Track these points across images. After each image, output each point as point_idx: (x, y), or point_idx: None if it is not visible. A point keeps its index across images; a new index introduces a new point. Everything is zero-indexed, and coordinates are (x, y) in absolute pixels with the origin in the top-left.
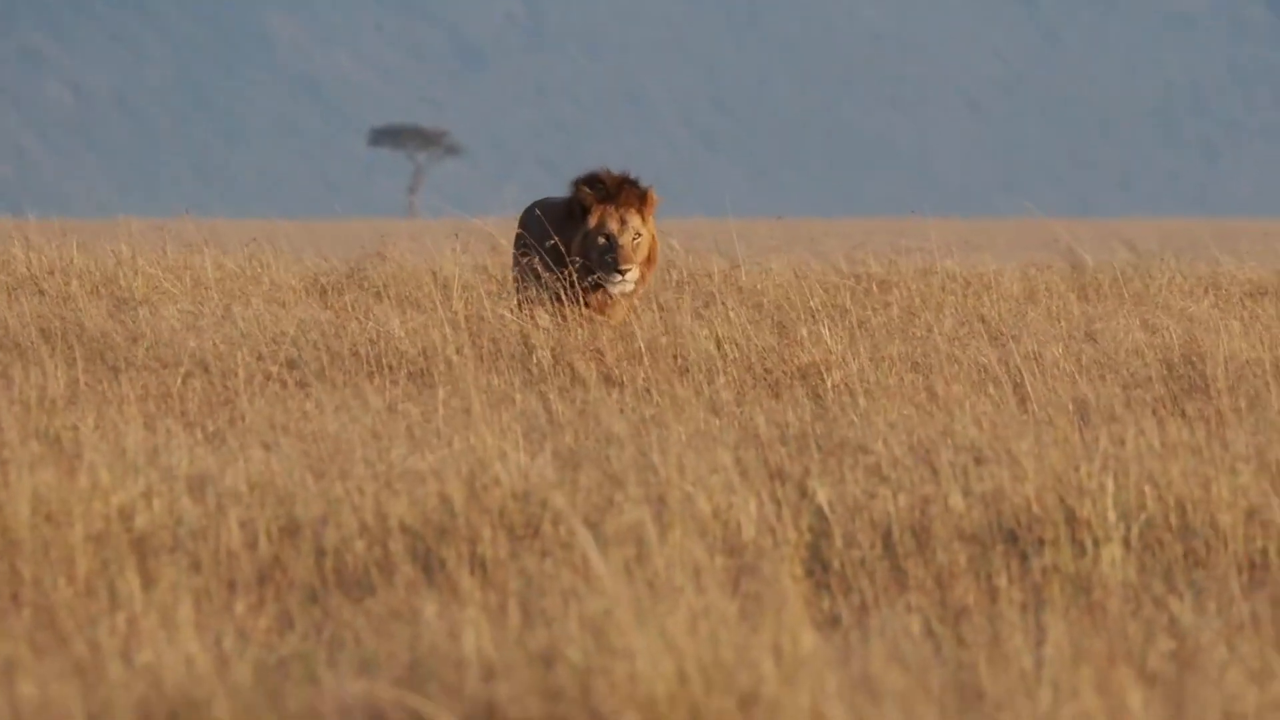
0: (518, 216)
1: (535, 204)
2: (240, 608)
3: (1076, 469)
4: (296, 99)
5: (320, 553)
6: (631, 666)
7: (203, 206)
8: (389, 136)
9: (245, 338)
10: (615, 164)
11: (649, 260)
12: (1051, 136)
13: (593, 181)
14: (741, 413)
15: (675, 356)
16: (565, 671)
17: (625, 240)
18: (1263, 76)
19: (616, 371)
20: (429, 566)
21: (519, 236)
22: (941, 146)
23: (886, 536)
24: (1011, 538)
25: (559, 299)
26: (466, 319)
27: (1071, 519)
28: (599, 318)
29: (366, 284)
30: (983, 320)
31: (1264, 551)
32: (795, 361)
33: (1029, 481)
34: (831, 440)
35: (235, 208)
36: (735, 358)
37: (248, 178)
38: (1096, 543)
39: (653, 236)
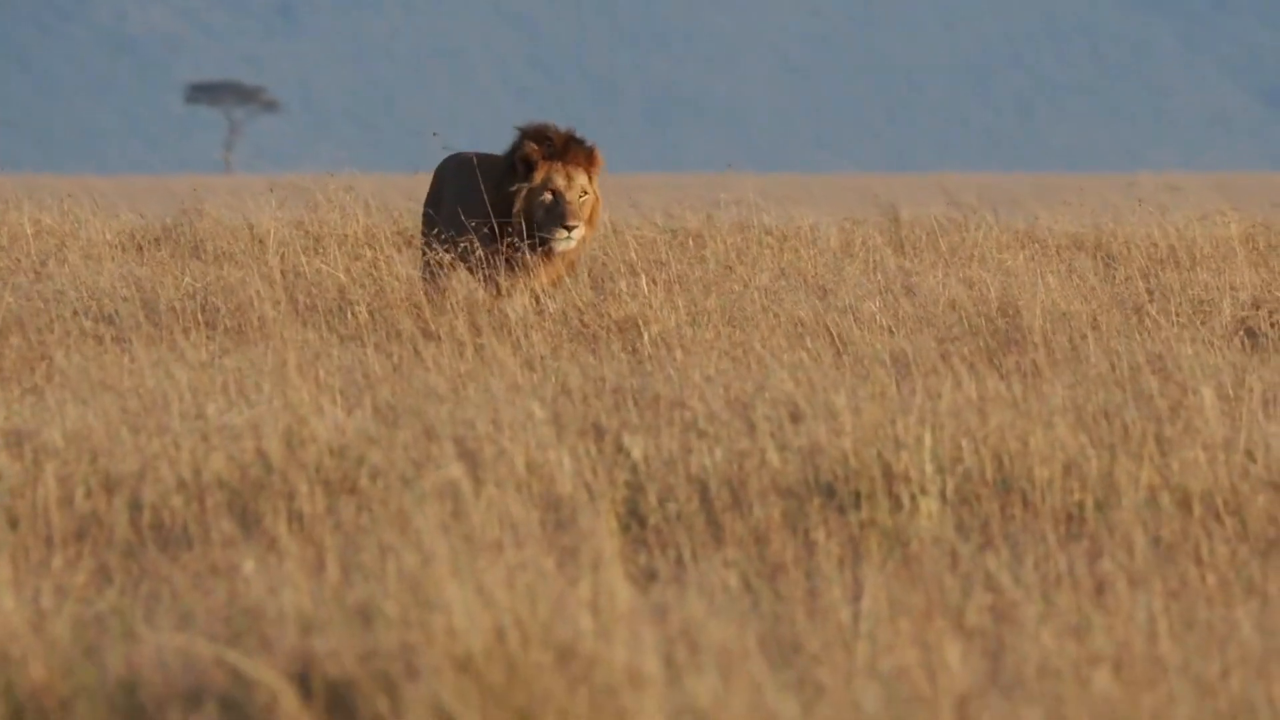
0: (421, 174)
1: (453, 157)
2: (57, 563)
3: (893, 423)
4: (112, 55)
5: (137, 508)
6: (449, 621)
7: (17, 162)
8: (205, 93)
9: (61, 294)
10: (432, 122)
11: (591, 220)
12: (868, 92)
13: (539, 136)
14: (558, 367)
15: (492, 310)
16: (383, 627)
17: (572, 197)
18: (1079, 32)
19: (433, 326)
20: (246, 522)
21: (434, 193)
22: (757, 103)
23: (703, 491)
24: (828, 492)
25: (489, 258)
26: (283, 274)
27: (888, 473)
28: (534, 278)
29: (184, 240)
30: (799, 274)
31: (1080, 505)
32: (612, 315)
33: (846, 435)
34: (648, 395)
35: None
36: (552, 311)
37: (63, 134)
38: (913, 497)
39: (596, 198)
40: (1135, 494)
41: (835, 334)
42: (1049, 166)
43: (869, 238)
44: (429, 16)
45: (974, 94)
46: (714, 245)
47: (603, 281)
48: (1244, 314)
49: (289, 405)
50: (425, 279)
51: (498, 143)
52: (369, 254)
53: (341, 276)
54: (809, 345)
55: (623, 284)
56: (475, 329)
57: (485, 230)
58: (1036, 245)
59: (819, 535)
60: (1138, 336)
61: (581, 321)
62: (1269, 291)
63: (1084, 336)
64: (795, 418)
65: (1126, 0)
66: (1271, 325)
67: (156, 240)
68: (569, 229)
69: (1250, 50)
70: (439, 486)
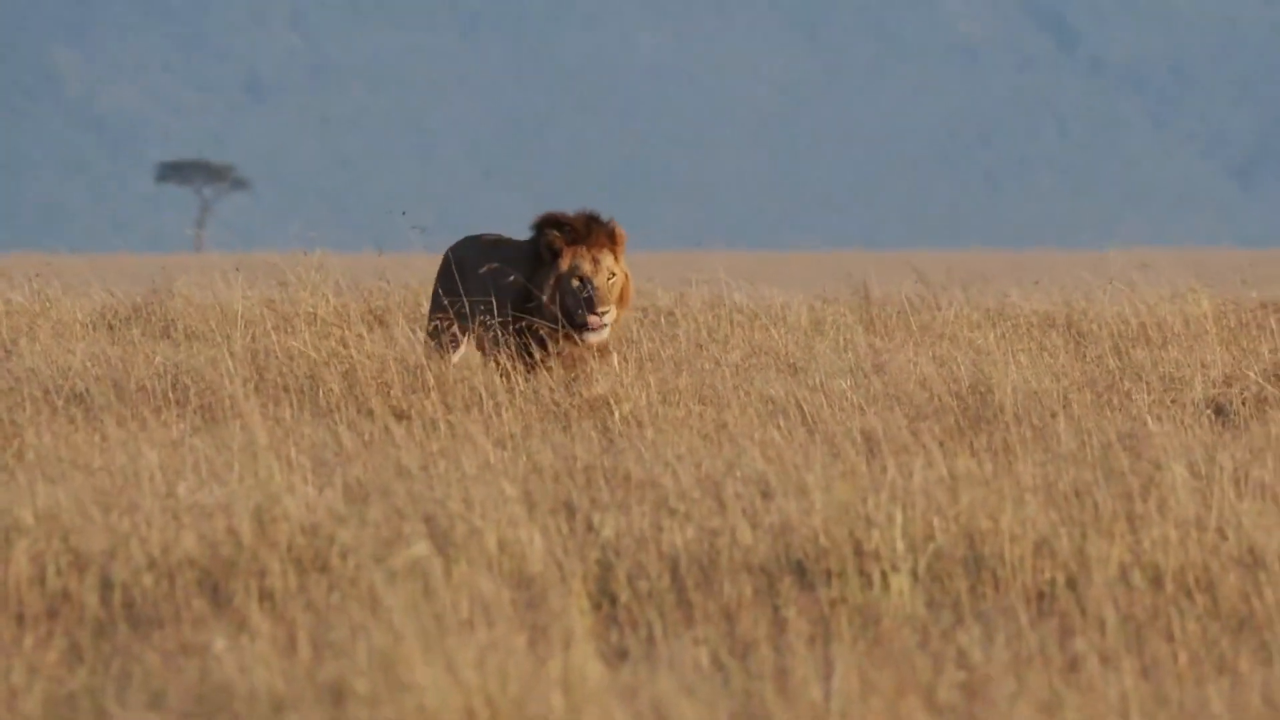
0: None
1: (470, 241)
2: (29, 642)
3: (864, 501)
4: (83, 134)
5: (108, 586)
6: (420, 700)
7: None
8: (175, 171)
9: (32, 373)
10: (396, 200)
11: (622, 299)
12: (836, 169)
13: (558, 224)
14: (529, 446)
15: (463, 389)
16: (354, 705)
17: (600, 281)
18: (1046, 108)
19: (404, 404)
20: (217, 600)
21: (447, 275)
22: (725, 179)
23: (674, 569)
24: (799, 569)
25: (525, 349)
26: (254, 353)
27: (859, 551)
28: (568, 372)
29: (154, 319)
30: (770, 352)
31: (1052, 583)
32: (583, 394)
33: (817, 513)
34: (619, 473)
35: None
36: (523, 390)
37: (33, 213)
38: (884, 574)
39: (625, 276)
40: (1106, 571)
41: (806, 412)
42: (1019, 243)
43: (840, 316)
44: (396, 93)
45: (943, 170)
46: (685, 323)
47: (574, 361)
48: (1215, 391)
49: (260, 484)
50: (434, 356)
51: (469, 218)
52: (339, 332)
53: (312, 354)
54: (780, 423)
55: (592, 362)
56: (446, 407)
57: (517, 319)
58: (1007, 323)
59: (790, 613)
60: (1109, 414)
61: (553, 400)
62: (1240, 369)
63: (1055, 414)
64: (766, 495)
65: (1094, 76)
66: (1242, 403)
67: (127, 319)
68: (600, 314)
69: (1218, 127)
70: (410, 565)
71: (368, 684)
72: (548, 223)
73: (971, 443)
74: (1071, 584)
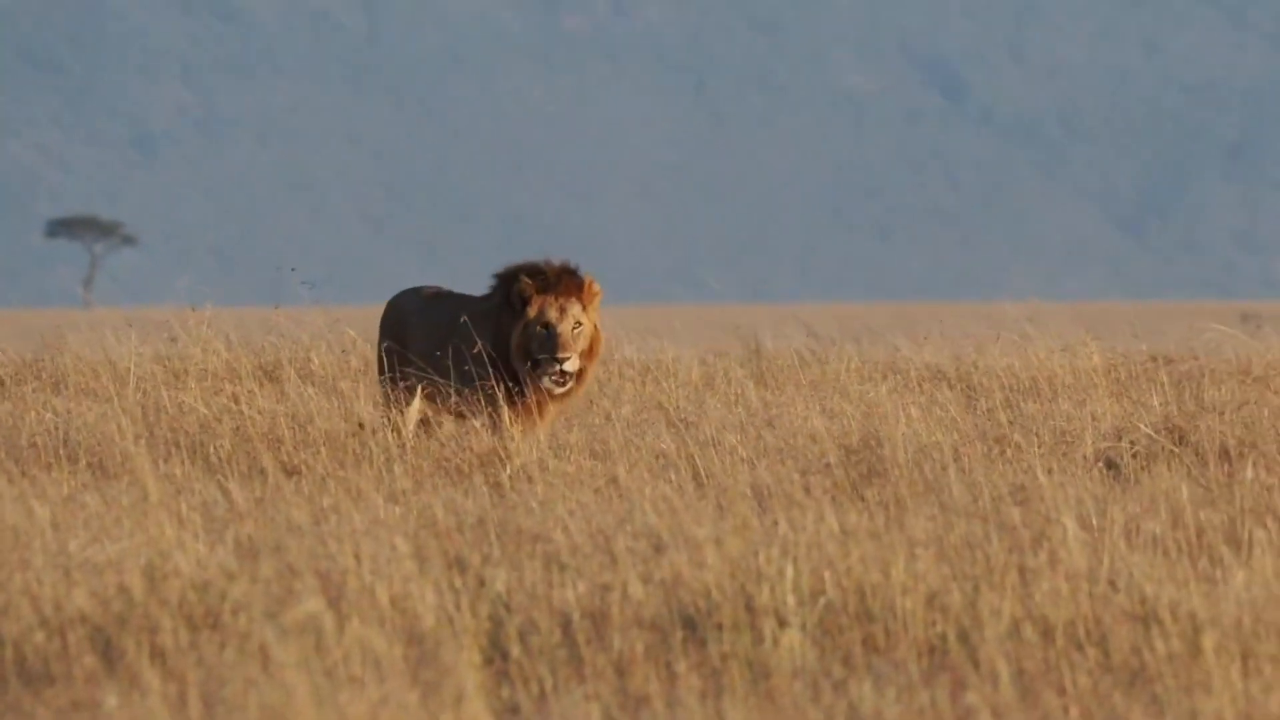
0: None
1: (411, 293)
2: None
3: (755, 555)
4: None
5: (0, 644)
6: None
7: None
8: (65, 227)
9: None
10: (286, 255)
11: (590, 353)
12: (725, 221)
13: (533, 272)
14: (420, 501)
15: (354, 445)
16: None
17: (564, 329)
18: (934, 160)
19: (295, 460)
20: (109, 657)
21: (393, 330)
22: (614, 232)
23: (565, 624)
24: (691, 624)
25: (490, 399)
26: (144, 409)
27: (751, 605)
28: (528, 421)
29: (45, 375)
30: (661, 407)
31: (943, 636)
32: (474, 449)
33: (708, 568)
34: (510, 528)
35: None
36: (414, 446)
37: None
38: (776, 628)
39: (595, 328)
40: (998, 625)
41: (698, 466)
42: (908, 295)
43: (730, 370)
44: (285, 148)
45: (832, 223)
46: None
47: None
48: (1105, 444)
49: (151, 540)
50: (392, 416)
51: (359, 273)
52: (230, 388)
53: (203, 410)
54: (671, 478)
55: (484, 417)
56: (338, 463)
57: (479, 371)
58: (898, 376)
59: (681, 667)
60: (1000, 467)
61: (444, 455)
62: (1130, 422)
63: (945, 468)
64: (658, 550)
65: (983, 128)
66: (1133, 455)
67: (18, 375)
68: (560, 361)
69: (1106, 178)
70: (301, 621)
71: None
72: (517, 272)
73: (862, 496)
74: (963, 637)
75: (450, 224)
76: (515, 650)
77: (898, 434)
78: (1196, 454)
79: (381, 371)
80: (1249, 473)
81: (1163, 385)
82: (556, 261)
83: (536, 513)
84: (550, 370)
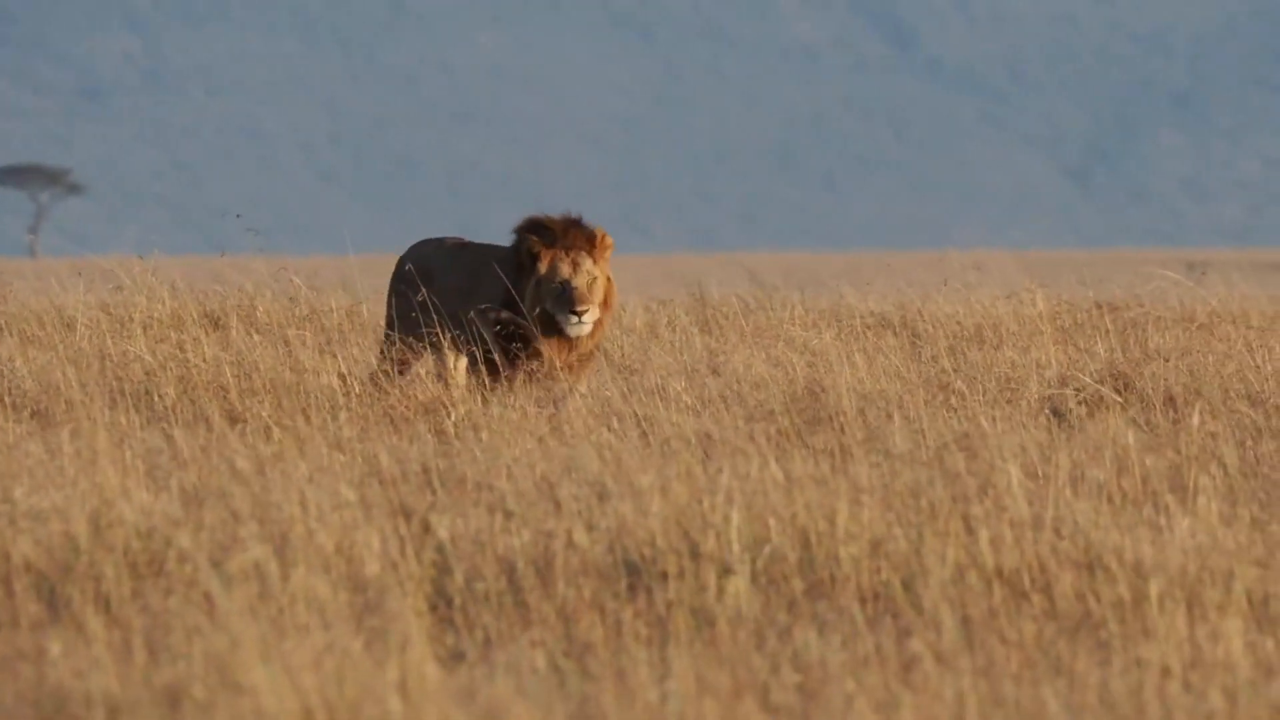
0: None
1: (429, 244)
2: None
3: (700, 503)
4: None
5: None
6: (257, 703)
7: None
8: (11, 175)
9: None
10: (233, 205)
11: (605, 304)
12: (673, 171)
13: (538, 228)
14: (364, 449)
15: (299, 393)
16: (190, 708)
17: (580, 282)
18: (881, 109)
19: (240, 408)
20: (54, 605)
21: (409, 282)
22: (563, 182)
23: (510, 571)
24: (635, 571)
25: (504, 353)
26: (90, 357)
27: (695, 553)
28: (562, 372)
29: None
30: (605, 354)
31: (887, 584)
32: (419, 397)
33: (652, 515)
34: (455, 476)
35: None
36: (359, 393)
37: None
38: (720, 576)
39: (608, 279)
40: (943, 572)
41: (641, 414)
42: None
43: (675, 318)
44: (233, 98)
45: (779, 172)
46: None
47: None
48: (1050, 392)
49: (95, 488)
50: (389, 371)
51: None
52: (175, 336)
53: (148, 359)
54: (615, 426)
55: (429, 364)
56: (282, 410)
57: (499, 326)
58: (843, 324)
59: (626, 615)
60: (944, 415)
61: (388, 403)
62: (1075, 369)
63: (890, 415)
64: (602, 498)
65: (930, 77)
66: (1078, 403)
67: None
68: (579, 314)
69: (1054, 126)
70: (246, 569)
71: (204, 688)
72: (528, 227)
73: (807, 444)
74: (907, 585)
75: (398, 174)
76: (460, 598)
77: (842, 382)
78: (1142, 401)
79: (395, 331)
80: (1194, 419)
81: (1108, 332)
82: (565, 216)
83: (481, 460)
84: (569, 322)
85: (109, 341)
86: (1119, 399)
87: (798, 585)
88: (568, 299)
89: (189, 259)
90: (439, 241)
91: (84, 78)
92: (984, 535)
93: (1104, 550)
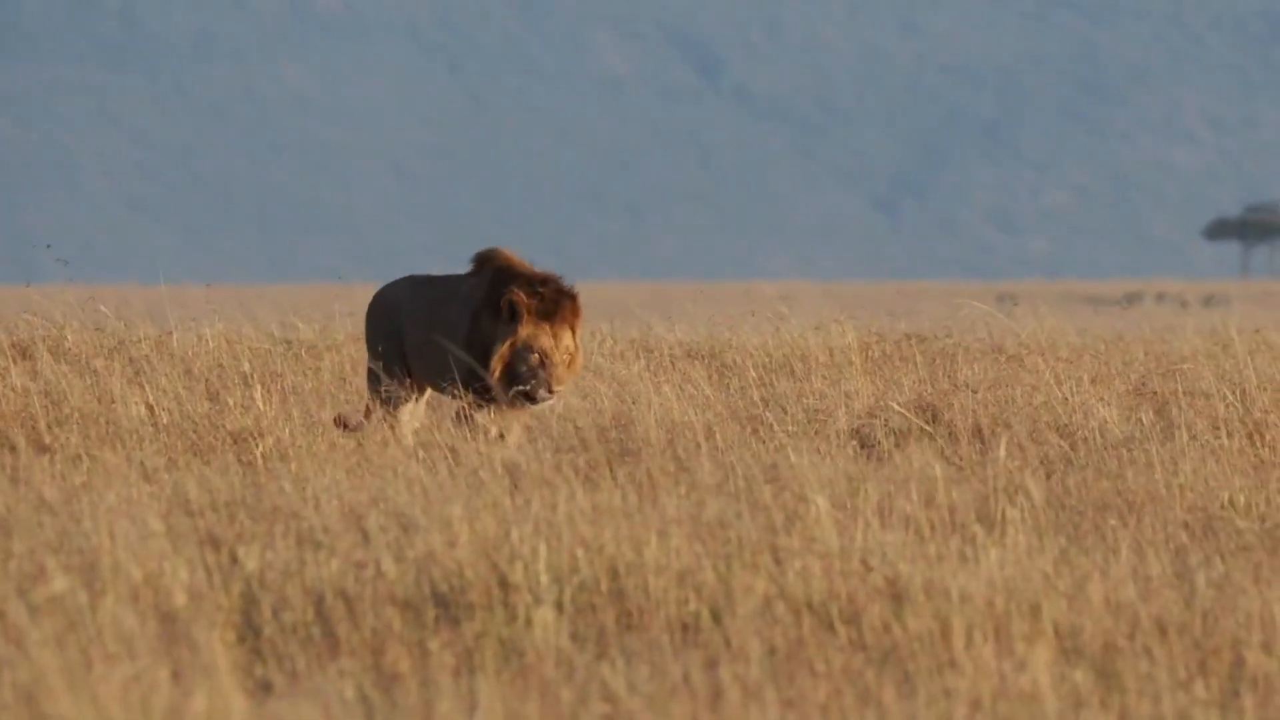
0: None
1: (406, 281)
2: None
3: (508, 534)
4: None
5: None
6: None
7: None
8: None
9: None
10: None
11: (572, 369)
12: (481, 201)
13: (529, 283)
14: (173, 479)
15: (107, 422)
16: None
17: (558, 359)
18: (689, 140)
19: (48, 438)
20: None
21: (389, 321)
22: (370, 212)
23: (318, 602)
24: (443, 602)
25: (475, 400)
26: None
27: (503, 583)
28: (511, 422)
29: None
30: None
31: (696, 614)
32: (227, 427)
33: (461, 546)
34: (263, 506)
35: None
36: (167, 423)
37: None
38: (529, 607)
39: (579, 348)
40: (750, 603)
41: (449, 446)
42: (663, 274)
43: None
44: (40, 125)
45: (587, 203)
46: (330, 356)
47: (218, 393)
48: (859, 422)
49: None
50: (387, 412)
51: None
52: None
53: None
54: (423, 456)
55: (237, 394)
56: (90, 440)
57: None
58: (651, 355)
59: (434, 645)
60: (752, 446)
61: (196, 434)
62: (883, 400)
63: (698, 446)
64: (410, 529)
65: (739, 107)
66: (886, 434)
67: None
68: (555, 393)
69: (862, 157)
70: (53, 599)
71: (11, 718)
72: (505, 269)
73: (615, 475)
74: (716, 616)
75: (206, 203)
76: (268, 629)
77: (650, 413)
78: (949, 432)
79: (376, 372)
80: (1001, 451)
81: (916, 363)
82: (548, 278)
83: (289, 491)
84: (539, 396)
85: None
86: (927, 430)
87: (606, 616)
88: (545, 379)
89: None
90: (411, 277)
91: None
92: (792, 566)
93: (911, 582)
